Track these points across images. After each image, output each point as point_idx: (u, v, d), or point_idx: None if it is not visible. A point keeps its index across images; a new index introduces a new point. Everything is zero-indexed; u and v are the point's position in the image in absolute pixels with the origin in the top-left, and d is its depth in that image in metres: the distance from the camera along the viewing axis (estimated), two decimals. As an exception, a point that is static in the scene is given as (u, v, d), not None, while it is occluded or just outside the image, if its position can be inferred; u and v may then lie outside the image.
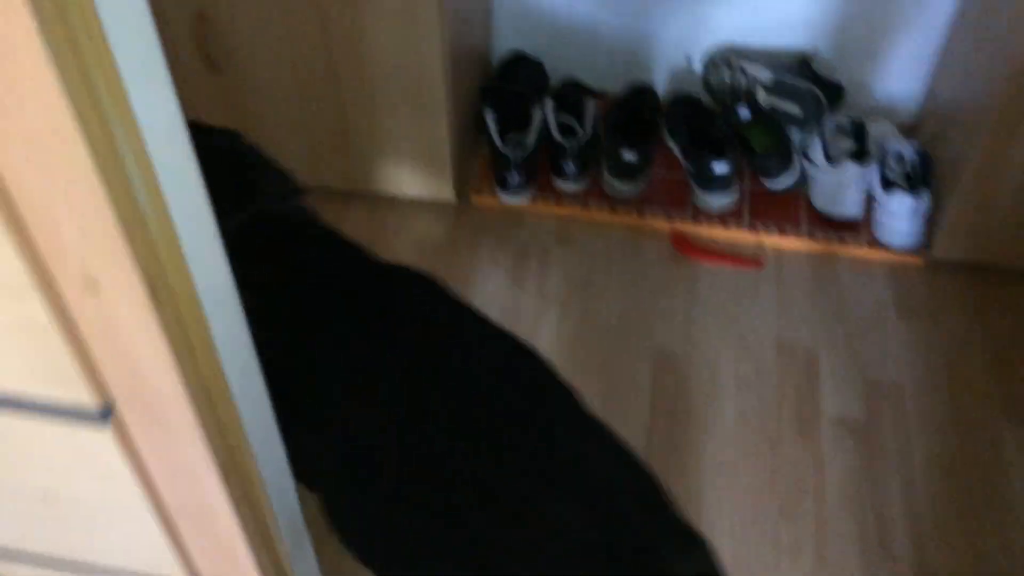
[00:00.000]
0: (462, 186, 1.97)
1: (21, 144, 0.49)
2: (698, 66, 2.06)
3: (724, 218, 1.89)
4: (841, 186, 1.81)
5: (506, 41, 2.11)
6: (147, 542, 0.83)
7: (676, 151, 1.99)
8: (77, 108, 0.46)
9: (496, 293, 1.84)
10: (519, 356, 1.02)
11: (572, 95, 1.99)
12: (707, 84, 2.03)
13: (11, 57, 0.45)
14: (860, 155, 1.83)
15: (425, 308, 1.06)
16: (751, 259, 1.86)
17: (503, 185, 1.93)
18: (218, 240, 0.67)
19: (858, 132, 1.87)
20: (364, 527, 0.90)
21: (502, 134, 1.91)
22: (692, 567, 0.88)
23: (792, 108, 1.88)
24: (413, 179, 1.92)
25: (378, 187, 1.95)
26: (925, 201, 1.75)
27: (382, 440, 0.90)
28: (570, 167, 1.92)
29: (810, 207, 1.89)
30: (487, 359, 1.00)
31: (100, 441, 0.70)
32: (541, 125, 1.93)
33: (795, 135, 1.91)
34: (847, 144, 1.85)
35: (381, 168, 1.91)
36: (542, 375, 1.00)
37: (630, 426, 1.61)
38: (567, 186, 1.95)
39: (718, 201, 1.88)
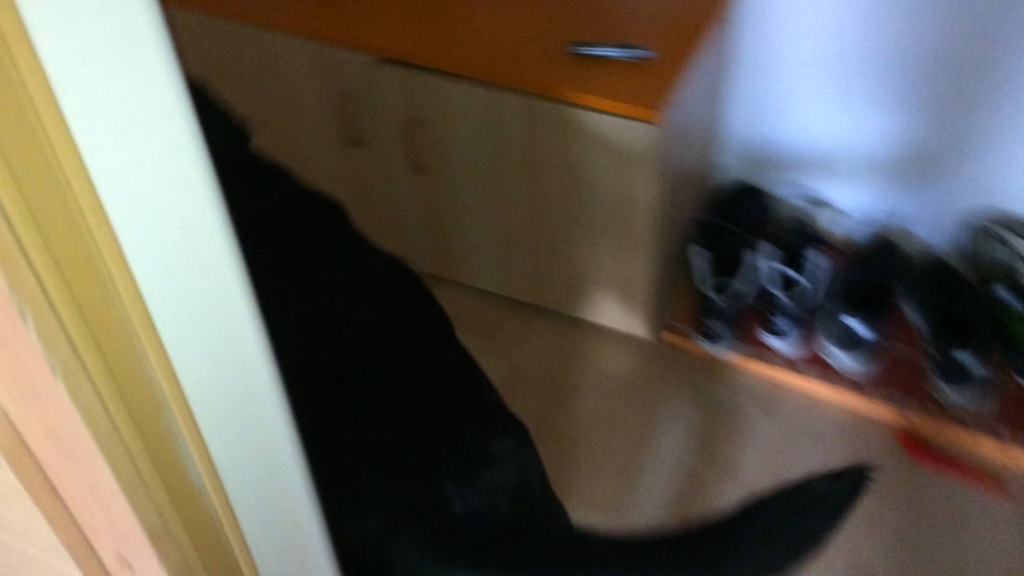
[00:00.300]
0: (658, 323, 1.83)
1: (55, 445, 0.44)
2: (961, 230, 1.80)
3: (967, 419, 1.61)
4: None
5: (732, 166, 1.97)
6: None
7: (918, 326, 1.74)
8: (98, 436, 0.40)
9: (675, 451, 1.68)
10: (406, 281, 1.19)
11: (798, 241, 1.81)
12: (968, 253, 1.77)
13: (23, 370, 0.39)
14: None
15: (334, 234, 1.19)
16: (994, 481, 1.56)
17: (704, 332, 1.77)
18: (322, 543, 0.59)
19: None
20: None
21: (711, 276, 1.76)
22: (509, 446, 0.97)
23: (1074, 302, 1.58)
24: (605, 307, 1.81)
25: (567, 308, 1.86)
26: None
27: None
28: (784, 325, 1.73)
29: (1084, 428, 1.57)
30: (379, 279, 1.16)
31: None
32: (757, 272, 1.76)
33: (1075, 334, 1.60)
34: None
35: (573, 289, 1.82)
36: (422, 293, 1.18)
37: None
38: (778, 345, 1.76)
39: (961, 397, 1.61)
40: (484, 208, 1.78)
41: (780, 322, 1.74)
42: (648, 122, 1.48)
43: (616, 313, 1.81)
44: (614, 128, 1.51)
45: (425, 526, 0.87)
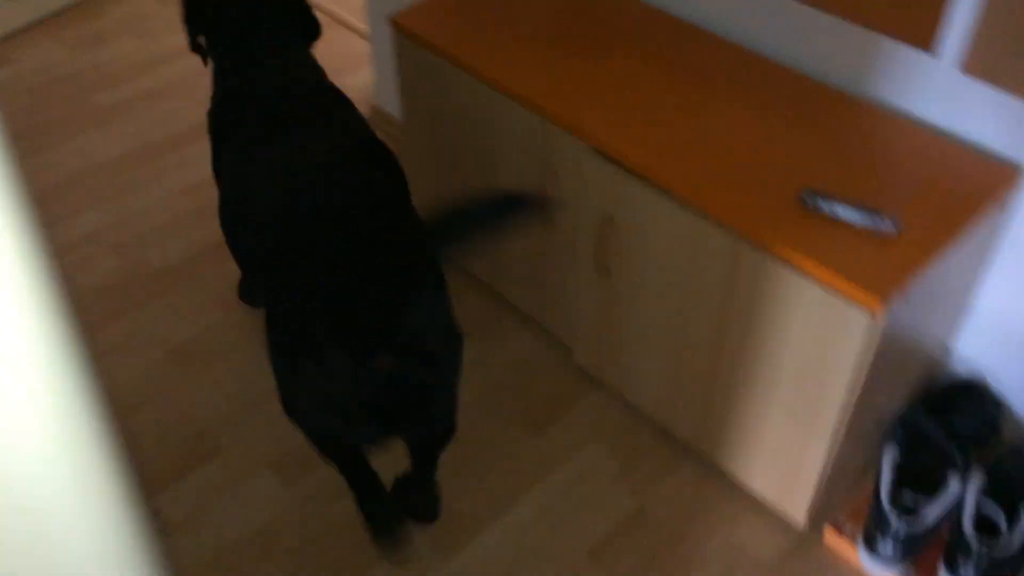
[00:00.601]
0: (820, 514, 1.62)
1: None
2: None
3: None
4: None
5: (967, 356, 1.69)
6: None
7: None
8: None
9: None
10: (385, 157, 1.50)
11: (1018, 479, 1.52)
12: None
13: None
14: None
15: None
16: None
17: (870, 545, 1.54)
18: None
19: None
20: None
21: (896, 484, 1.52)
22: (426, 296, 1.28)
23: None
24: (764, 475, 1.62)
25: (722, 460, 1.69)
26: None
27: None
28: (969, 574, 1.47)
29: None
30: (364, 151, 1.47)
31: None
32: (956, 500, 1.50)
33: None
34: None
35: (734, 443, 1.64)
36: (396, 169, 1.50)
37: None
38: (955, 591, 1.50)
39: None
40: (662, 330, 1.64)
41: (966, 569, 1.47)
42: (867, 310, 1.28)
43: (774, 486, 1.61)
44: (826, 303, 1.33)
45: (345, 323, 1.22)
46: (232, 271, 2.17)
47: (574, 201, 1.67)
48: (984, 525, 1.47)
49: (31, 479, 0.47)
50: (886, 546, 1.51)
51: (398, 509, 1.59)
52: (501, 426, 1.85)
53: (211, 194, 2.39)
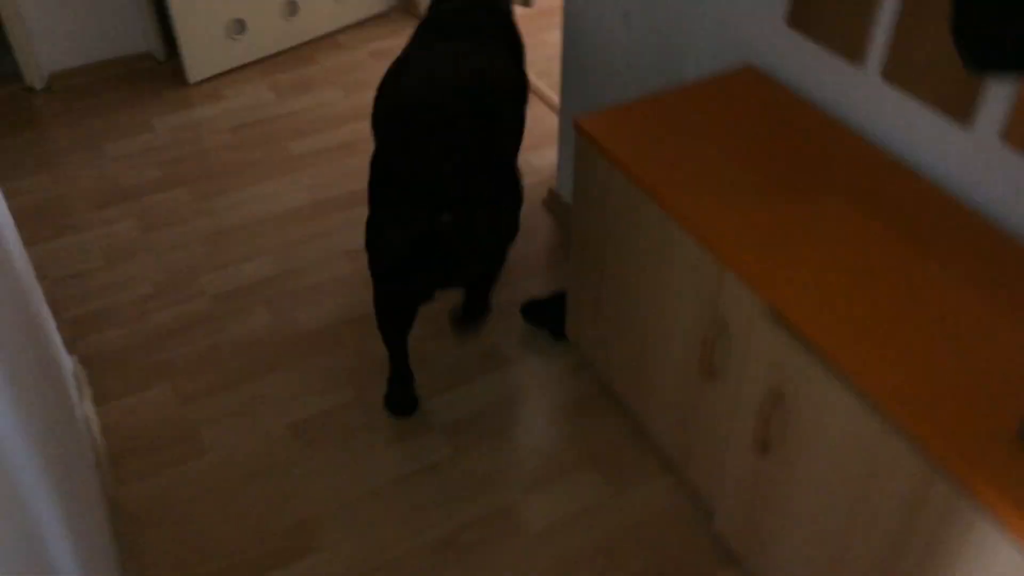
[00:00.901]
0: None
1: None
2: None
3: None
4: None
5: None
6: None
7: None
8: None
9: None
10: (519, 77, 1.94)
11: None
12: None
13: None
14: None
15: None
16: None
17: None
18: None
19: None
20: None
21: None
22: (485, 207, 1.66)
23: None
24: None
25: None
26: None
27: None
28: None
29: None
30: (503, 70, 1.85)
31: None
32: None
33: None
34: None
35: None
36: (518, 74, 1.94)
37: None
38: None
39: None
40: (821, 531, 1.36)
41: None
42: (1096, 601, 0.97)
43: None
44: (1038, 572, 1.02)
45: (422, 185, 1.59)
46: (372, 349, 2.08)
47: (742, 362, 1.43)
48: None
49: None
50: None
51: (413, 396, 1.96)
52: (618, 588, 1.62)
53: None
